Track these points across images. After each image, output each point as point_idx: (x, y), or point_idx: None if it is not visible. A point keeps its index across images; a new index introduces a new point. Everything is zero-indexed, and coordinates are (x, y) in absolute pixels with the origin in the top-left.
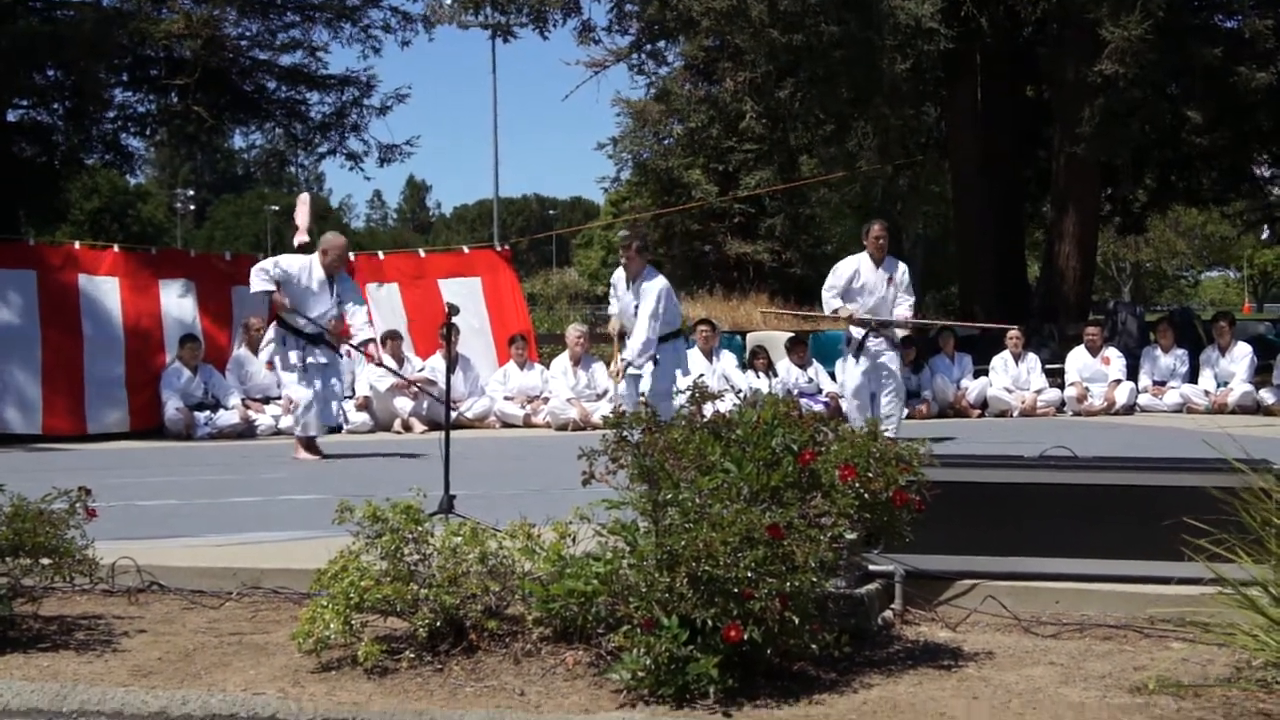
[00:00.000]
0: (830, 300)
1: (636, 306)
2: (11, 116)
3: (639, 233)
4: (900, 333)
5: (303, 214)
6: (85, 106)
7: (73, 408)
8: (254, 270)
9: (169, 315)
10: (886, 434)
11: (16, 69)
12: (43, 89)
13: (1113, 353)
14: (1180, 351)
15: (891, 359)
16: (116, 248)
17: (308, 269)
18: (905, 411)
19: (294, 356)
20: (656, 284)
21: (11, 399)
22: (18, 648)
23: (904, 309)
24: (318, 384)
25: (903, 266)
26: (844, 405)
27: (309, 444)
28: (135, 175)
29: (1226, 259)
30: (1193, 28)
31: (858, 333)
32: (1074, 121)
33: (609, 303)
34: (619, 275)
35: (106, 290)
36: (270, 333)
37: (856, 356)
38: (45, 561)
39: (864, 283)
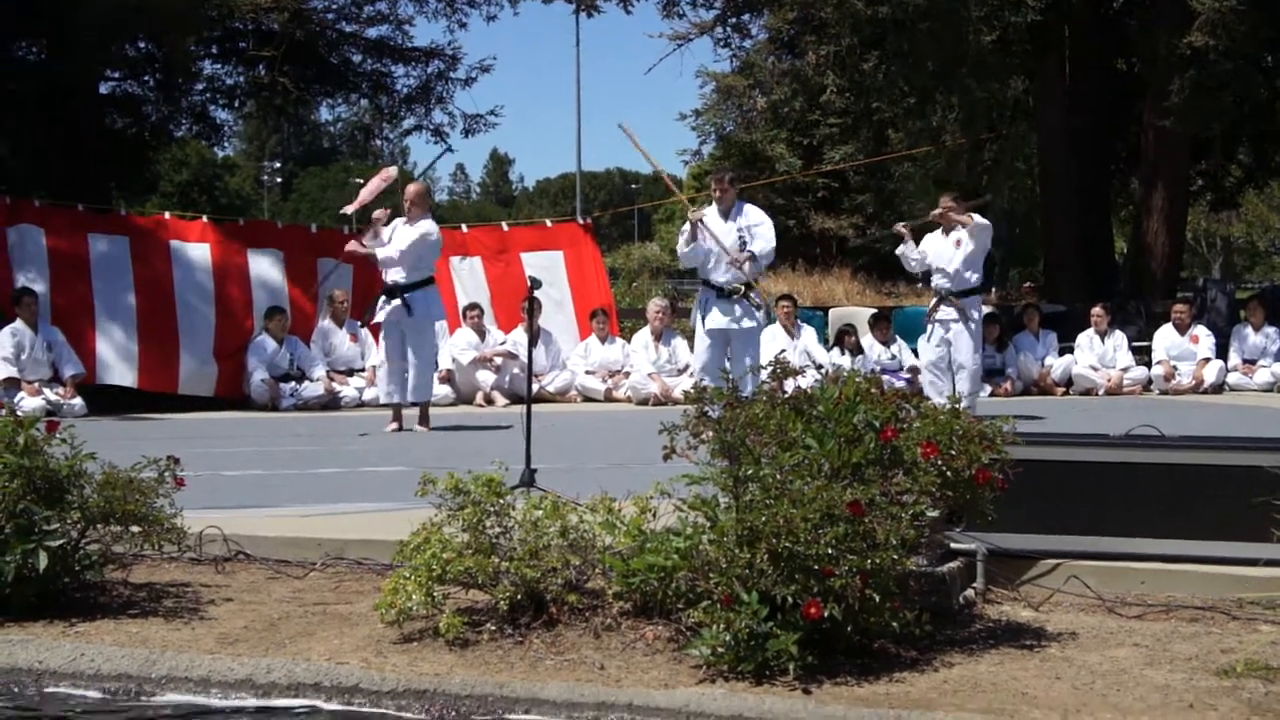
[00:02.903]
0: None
1: (743, 239)
2: (103, 89)
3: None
4: (973, 307)
5: (372, 189)
6: (174, 79)
7: (166, 367)
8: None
9: (257, 285)
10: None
11: (107, 42)
12: (133, 61)
13: (1201, 330)
14: (1271, 330)
15: (960, 333)
16: (206, 218)
17: (394, 228)
18: (984, 390)
19: (380, 312)
20: (764, 216)
21: (110, 351)
22: (108, 613)
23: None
24: (395, 351)
25: (969, 229)
26: (920, 379)
27: (394, 413)
28: (223, 147)
29: None
30: None
31: (931, 303)
32: (1163, 95)
33: (683, 233)
34: (705, 211)
35: (197, 257)
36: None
37: (929, 326)
38: (135, 529)
39: (935, 252)
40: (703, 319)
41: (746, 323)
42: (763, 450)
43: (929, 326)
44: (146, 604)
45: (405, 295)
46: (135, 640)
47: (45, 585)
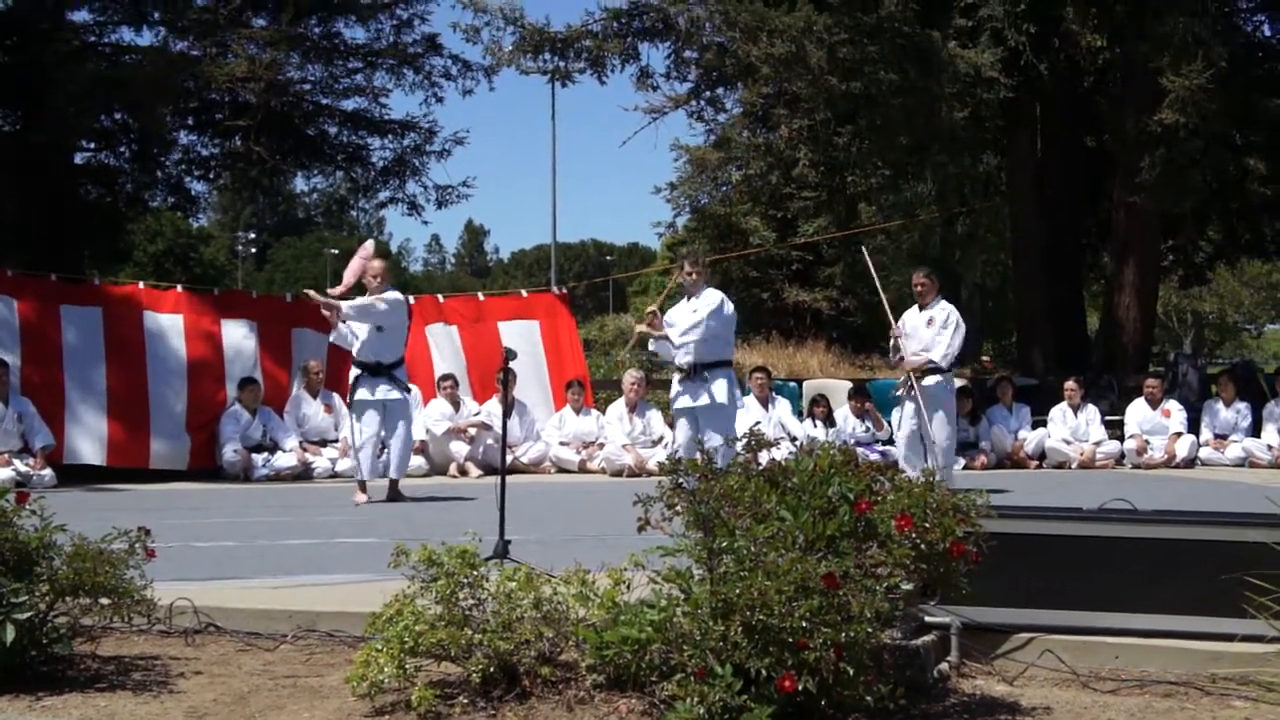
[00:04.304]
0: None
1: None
2: (78, 159)
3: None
4: (931, 380)
5: (354, 270)
6: (150, 149)
7: (136, 442)
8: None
9: (230, 356)
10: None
11: (83, 112)
12: (108, 132)
13: (1173, 405)
14: (1242, 405)
15: (931, 410)
16: (180, 288)
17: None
18: (958, 463)
19: (360, 392)
20: (716, 293)
21: (79, 430)
22: (76, 687)
23: (931, 352)
24: (376, 425)
25: (942, 308)
26: (896, 454)
27: (362, 485)
28: (198, 218)
29: None
30: (1255, 77)
31: (901, 379)
32: (1134, 171)
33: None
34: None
35: (170, 329)
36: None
37: (899, 404)
38: (104, 601)
39: (910, 328)
40: (673, 400)
41: (710, 398)
42: (737, 522)
43: (900, 405)
44: (115, 677)
45: (394, 372)
46: (103, 714)
47: (12, 659)
